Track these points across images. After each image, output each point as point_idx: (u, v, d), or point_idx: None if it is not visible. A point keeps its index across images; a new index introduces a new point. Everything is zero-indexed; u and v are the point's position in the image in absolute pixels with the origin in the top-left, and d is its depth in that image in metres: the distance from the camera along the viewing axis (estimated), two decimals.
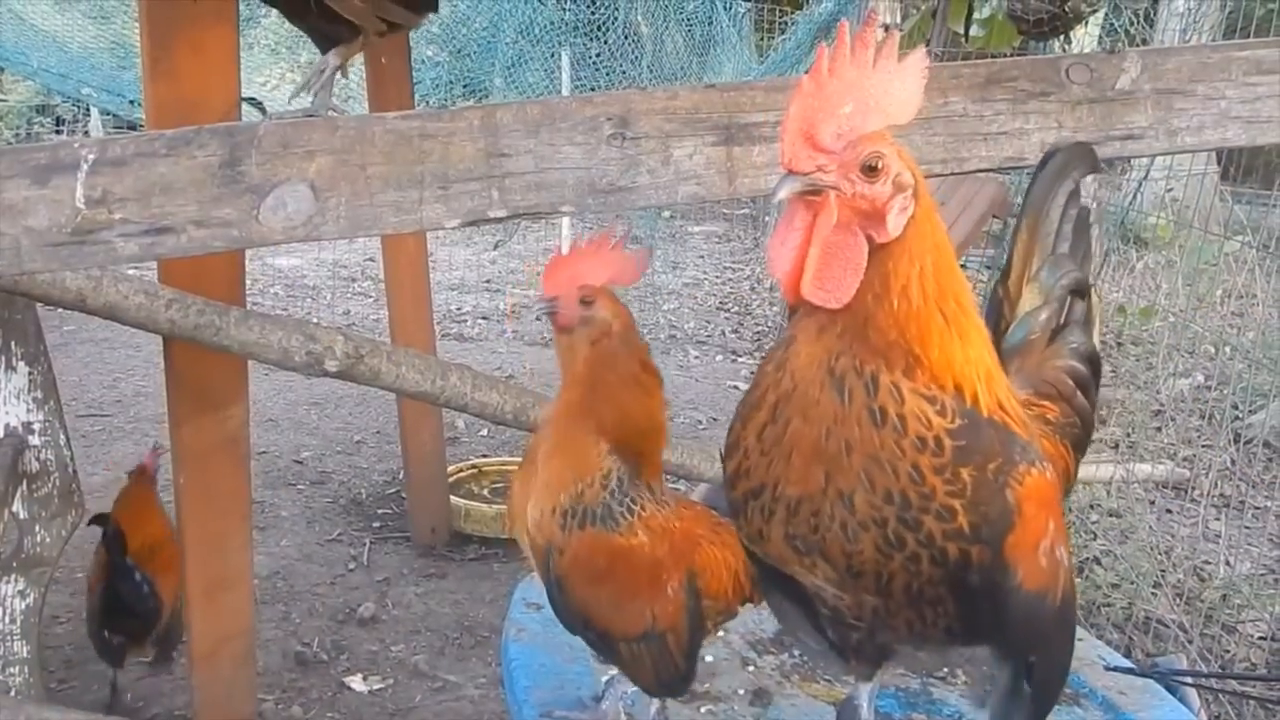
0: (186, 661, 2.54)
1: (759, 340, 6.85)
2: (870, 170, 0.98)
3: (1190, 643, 2.98)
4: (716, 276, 8.67)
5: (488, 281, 7.91)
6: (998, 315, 1.31)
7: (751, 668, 1.73)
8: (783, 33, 7.24)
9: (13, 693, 2.13)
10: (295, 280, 7.65)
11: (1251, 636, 3.16)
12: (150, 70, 2.03)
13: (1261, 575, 3.55)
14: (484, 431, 4.85)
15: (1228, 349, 4.70)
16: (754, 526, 1.07)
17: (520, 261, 8.27)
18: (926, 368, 1.00)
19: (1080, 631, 1.70)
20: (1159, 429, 4.64)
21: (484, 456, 4.46)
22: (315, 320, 6.31)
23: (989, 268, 4.52)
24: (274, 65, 8.86)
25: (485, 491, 4.05)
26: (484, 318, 7.06)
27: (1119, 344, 5.55)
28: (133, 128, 7.59)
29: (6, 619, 2.12)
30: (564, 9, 6.77)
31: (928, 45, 3.99)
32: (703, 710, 1.60)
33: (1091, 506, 3.92)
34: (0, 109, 10.90)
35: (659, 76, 7.15)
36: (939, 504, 0.98)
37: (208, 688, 2.45)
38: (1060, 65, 1.73)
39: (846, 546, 1.01)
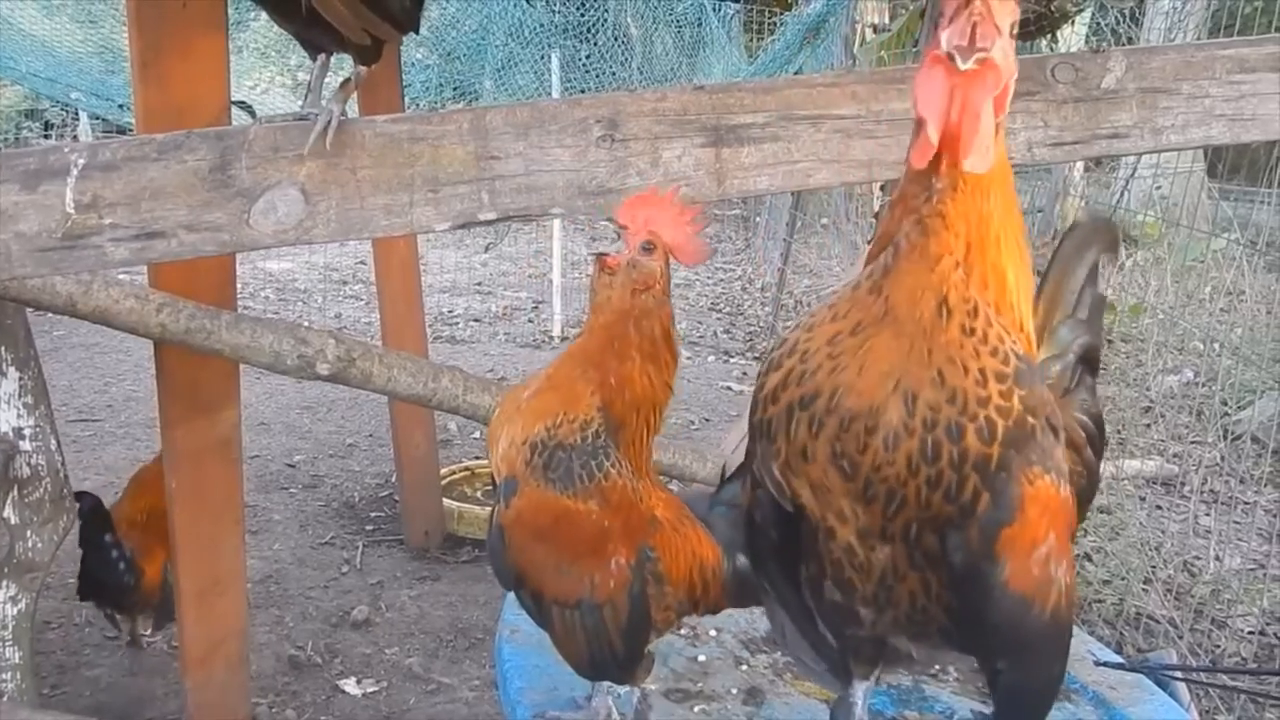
0: (180, 665, 2.53)
1: (751, 341, 6.86)
2: (1012, 35, 0.99)
3: (1180, 638, 2.99)
4: (708, 277, 8.69)
5: (479, 284, 7.91)
6: None
7: (745, 666, 1.74)
8: (772, 34, 7.25)
9: (5, 698, 2.13)
10: (286, 283, 7.64)
11: (1241, 631, 3.18)
12: (140, 75, 2.03)
13: (1251, 570, 3.57)
14: (476, 434, 4.85)
15: (1216, 345, 4.72)
16: (796, 445, 1.06)
17: (511, 264, 8.28)
18: (1005, 299, 1.04)
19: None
20: (1149, 425, 4.66)
21: (476, 458, 4.46)
22: (307, 323, 6.31)
23: None
24: (263, 69, 8.85)
25: (478, 494, 4.05)
26: (475, 320, 7.06)
27: (1109, 341, 5.57)
28: (122, 132, 7.57)
29: None
30: (553, 11, 6.77)
31: (916, 45, 4.01)
32: (696, 709, 1.60)
33: None
34: None
35: (649, 78, 7.16)
36: (987, 414, 1.00)
37: (201, 691, 2.45)
38: (1046, 65, 1.74)
39: (882, 455, 1.01)
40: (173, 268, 2.07)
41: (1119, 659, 1.81)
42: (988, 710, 1.22)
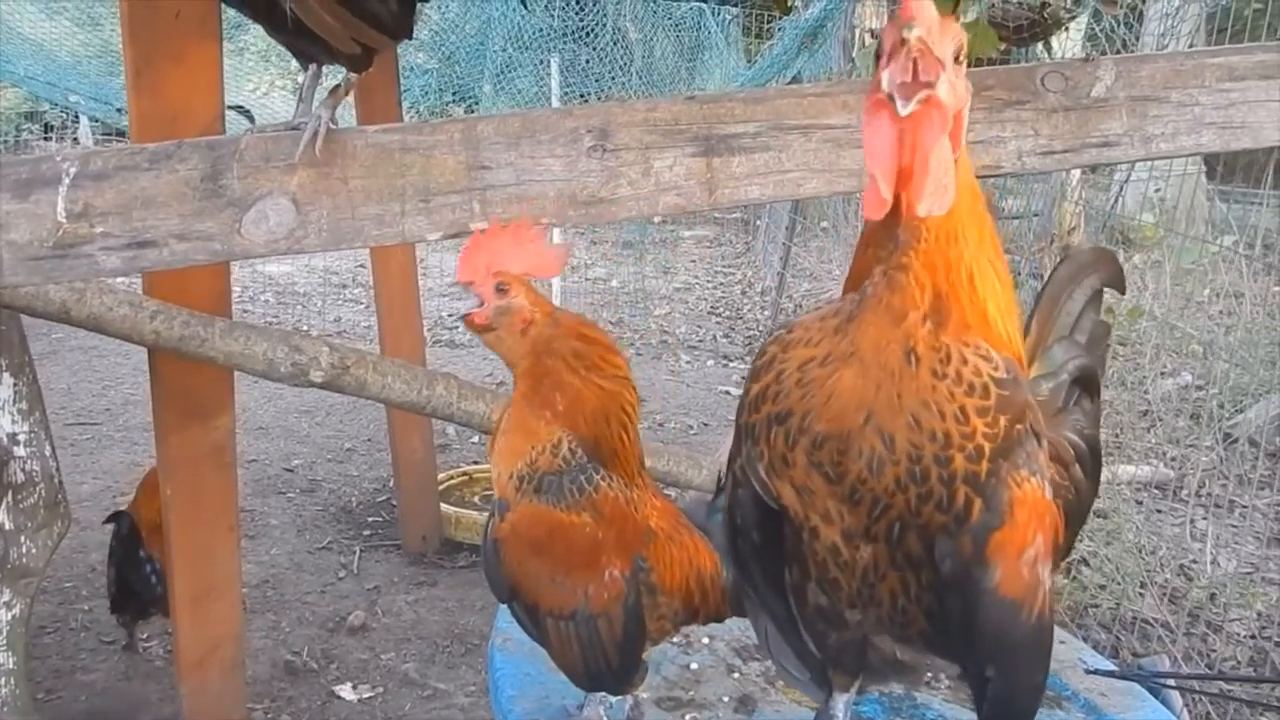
0: (175, 670, 2.54)
1: (750, 345, 6.86)
2: (958, 62, 0.94)
3: (1175, 642, 2.99)
4: (708, 281, 8.70)
5: None
6: None
7: (737, 674, 1.74)
8: (770, 38, 7.26)
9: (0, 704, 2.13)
10: (286, 287, 7.65)
11: (1238, 635, 3.18)
12: (133, 83, 2.04)
13: (1247, 574, 3.57)
14: (475, 439, 4.85)
15: (1215, 348, 4.72)
16: (777, 451, 1.06)
17: None
18: (990, 330, 1.02)
19: (1062, 634, 1.72)
20: (1147, 429, 4.66)
21: (475, 463, 4.47)
22: (305, 327, 6.32)
23: None
24: (264, 72, 8.87)
25: (476, 499, 4.05)
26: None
27: (1106, 344, 5.57)
28: (121, 134, 7.59)
29: None
30: (553, 15, 6.78)
31: None
32: (688, 718, 1.60)
33: None
34: None
35: (648, 82, 7.17)
36: (974, 445, 1.00)
37: (196, 696, 2.45)
38: (1035, 74, 1.74)
39: (865, 475, 1.01)
40: (167, 275, 2.08)
41: (1110, 666, 1.81)
42: None
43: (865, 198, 1.00)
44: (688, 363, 6.43)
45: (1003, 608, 1.07)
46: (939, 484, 1.01)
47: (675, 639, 1.78)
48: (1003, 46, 3.96)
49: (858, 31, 6.02)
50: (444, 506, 3.85)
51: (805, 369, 1.04)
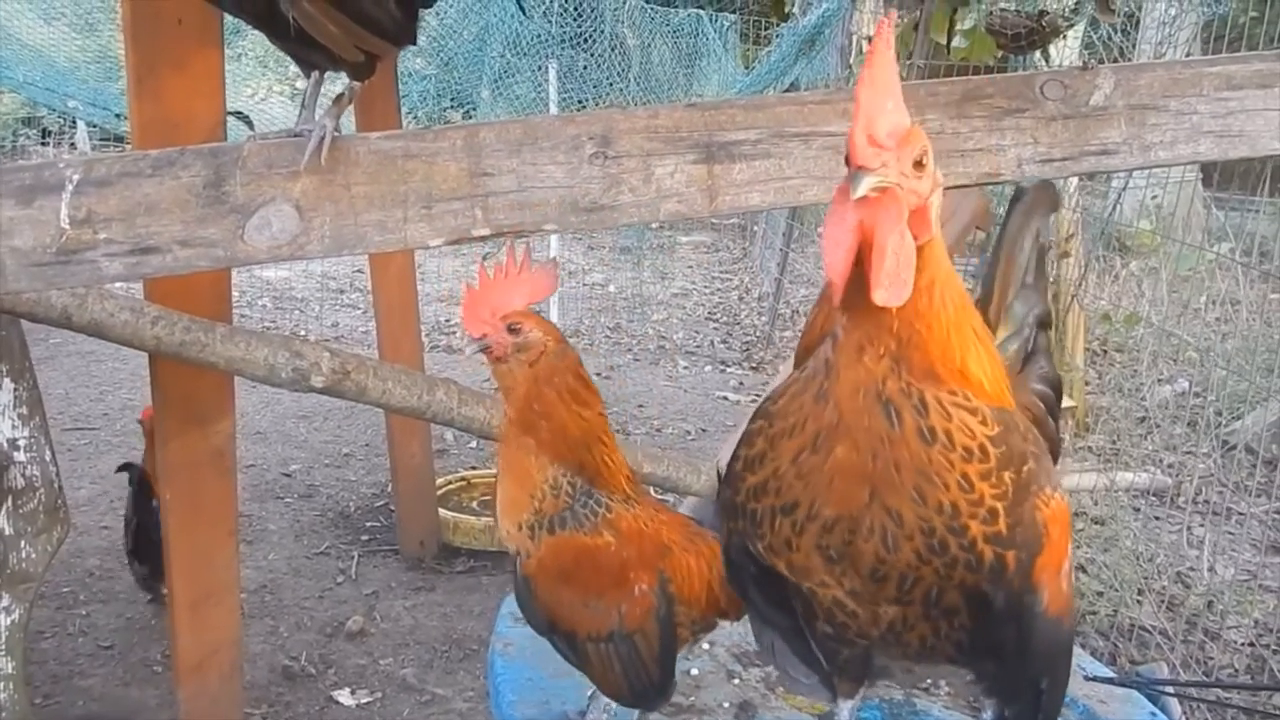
0: (173, 675, 2.54)
1: (748, 350, 6.87)
2: (919, 165, 0.95)
3: (1173, 649, 3.00)
4: (705, 287, 8.71)
5: None
6: None
7: (736, 680, 1.74)
8: (768, 44, 7.28)
9: None
10: (284, 292, 7.65)
11: (1235, 642, 3.19)
12: (135, 89, 2.05)
13: (1244, 581, 3.58)
14: (473, 444, 4.85)
15: (1212, 355, 4.73)
16: (781, 538, 1.06)
17: None
18: (966, 378, 1.00)
19: None
20: (1144, 436, 4.67)
21: (473, 469, 4.47)
22: (303, 333, 6.33)
23: (974, 276, 4.54)
24: (262, 77, 8.87)
25: (474, 504, 4.05)
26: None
27: (1104, 351, 5.59)
28: (119, 140, 7.58)
29: None
30: (551, 21, 6.79)
31: (910, 57, 4.03)
32: None
33: (1076, 514, 3.94)
34: None
35: (645, 88, 7.18)
36: (985, 508, 0.99)
37: (194, 701, 2.45)
38: (1035, 82, 1.75)
39: (883, 554, 1.01)
40: (168, 281, 2.08)
41: (1109, 673, 1.82)
42: None
43: (828, 287, 0.99)
44: (685, 368, 6.44)
45: (1051, 626, 1.08)
46: (961, 551, 1.00)
47: None
48: (999, 54, 3.99)
49: (855, 38, 6.04)
50: (442, 512, 3.84)
51: (799, 461, 1.03)
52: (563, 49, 6.85)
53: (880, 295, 0.94)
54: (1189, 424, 4.62)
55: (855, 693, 1.24)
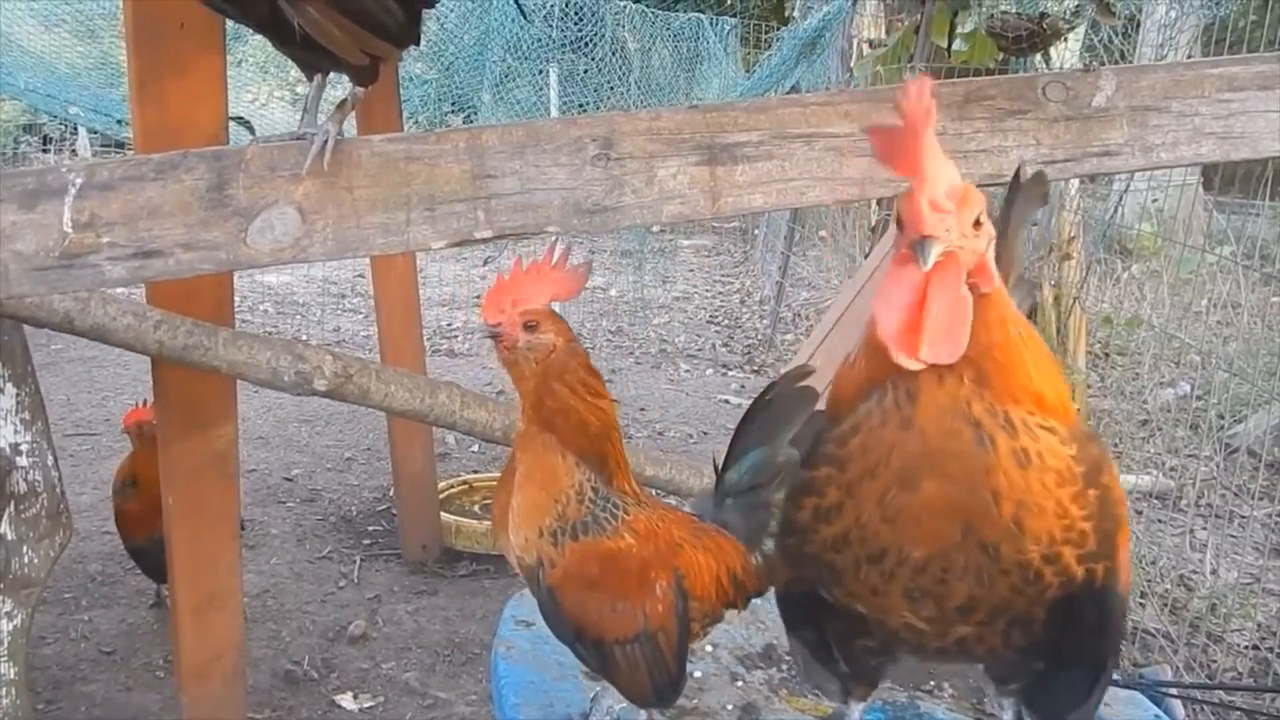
0: (176, 680, 2.53)
1: (749, 353, 6.87)
2: (977, 225, 0.97)
3: (1176, 652, 2.99)
4: (706, 290, 8.71)
5: (478, 297, 7.88)
6: None
7: (740, 683, 1.74)
8: (769, 48, 7.29)
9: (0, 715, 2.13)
10: (285, 297, 7.66)
11: (1238, 646, 3.18)
12: (137, 94, 2.05)
13: (1247, 584, 3.57)
14: (475, 447, 4.85)
15: (1213, 358, 4.73)
16: (866, 586, 1.03)
17: None
18: (1044, 400, 1.00)
19: None
20: (1146, 439, 4.66)
21: (475, 472, 4.46)
22: (305, 337, 6.33)
23: None
24: (262, 83, 8.89)
25: (476, 507, 4.04)
26: (474, 333, 7.06)
27: (1106, 354, 5.59)
28: (120, 146, 7.60)
29: None
30: (551, 26, 6.80)
31: (911, 60, 4.04)
32: None
33: None
34: None
35: (646, 92, 7.19)
36: (1076, 531, 0.99)
37: (197, 706, 2.45)
38: (1037, 84, 1.75)
39: (977, 592, 0.99)
40: (170, 284, 2.08)
41: (1113, 675, 1.82)
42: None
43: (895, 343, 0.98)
44: (687, 371, 6.44)
45: (1123, 601, 1.09)
46: (1055, 576, 1.00)
47: None
48: (1000, 57, 3.99)
49: (856, 41, 6.05)
50: (444, 515, 3.84)
51: (886, 502, 1.00)
52: (563, 53, 6.87)
53: (927, 353, 0.96)
54: (1191, 427, 4.62)
55: (868, 695, 1.24)
